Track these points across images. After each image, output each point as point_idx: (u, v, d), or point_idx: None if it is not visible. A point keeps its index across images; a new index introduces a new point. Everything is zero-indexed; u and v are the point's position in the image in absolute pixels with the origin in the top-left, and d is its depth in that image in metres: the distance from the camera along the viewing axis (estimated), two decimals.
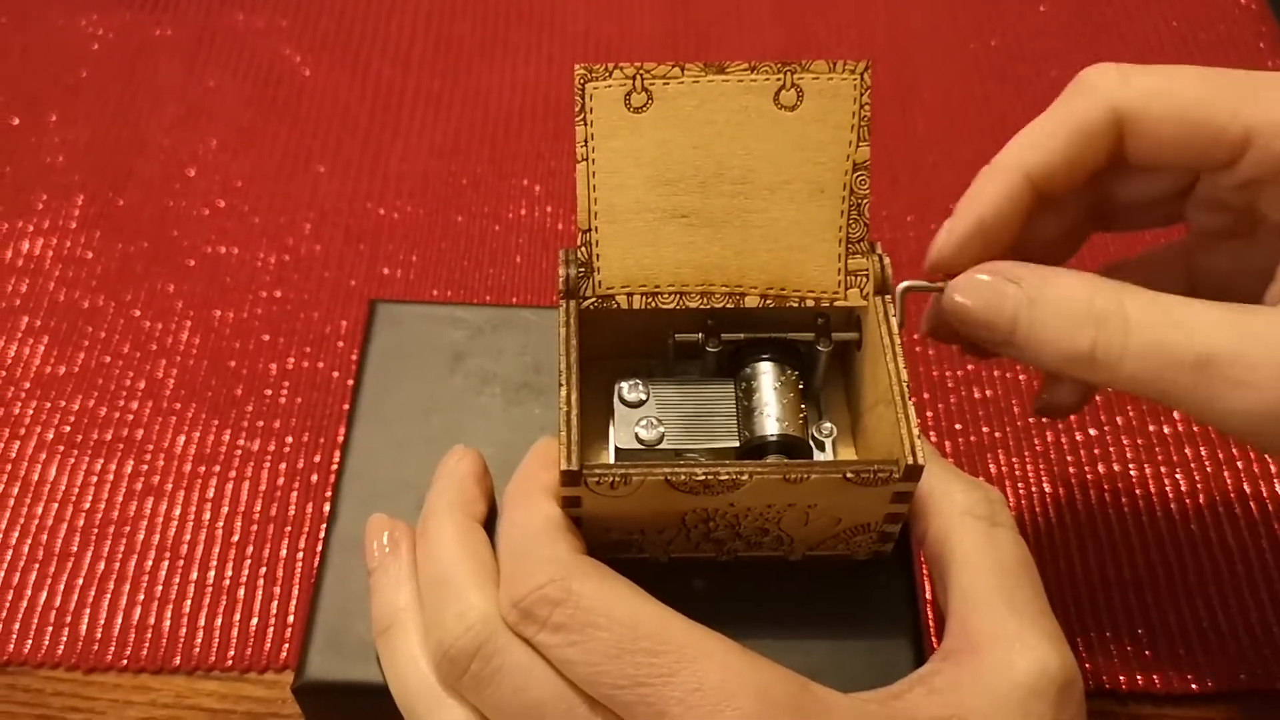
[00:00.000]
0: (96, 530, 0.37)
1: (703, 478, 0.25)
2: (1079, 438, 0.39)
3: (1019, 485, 0.38)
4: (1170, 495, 0.38)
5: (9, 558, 0.36)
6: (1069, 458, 0.39)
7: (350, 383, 0.40)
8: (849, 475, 0.25)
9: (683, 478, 0.25)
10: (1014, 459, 0.39)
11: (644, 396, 0.28)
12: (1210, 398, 0.25)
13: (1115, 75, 0.28)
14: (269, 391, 0.40)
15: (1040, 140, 0.29)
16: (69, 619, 0.35)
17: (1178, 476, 0.38)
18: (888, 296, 0.28)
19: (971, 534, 0.26)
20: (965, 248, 0.28)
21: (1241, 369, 0.24)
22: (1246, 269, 0.29)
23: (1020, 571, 0.26)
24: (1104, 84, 0.28)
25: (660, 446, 0.28)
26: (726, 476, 0.25)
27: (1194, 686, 0.34)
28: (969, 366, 0.41)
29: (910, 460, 0.25)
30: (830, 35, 0.53)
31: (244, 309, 0.43)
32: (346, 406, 0.39)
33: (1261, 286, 0.29)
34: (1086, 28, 0.53)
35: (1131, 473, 0.39)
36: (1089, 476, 0.38)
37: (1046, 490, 0.38)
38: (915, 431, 0.25)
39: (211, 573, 0.36)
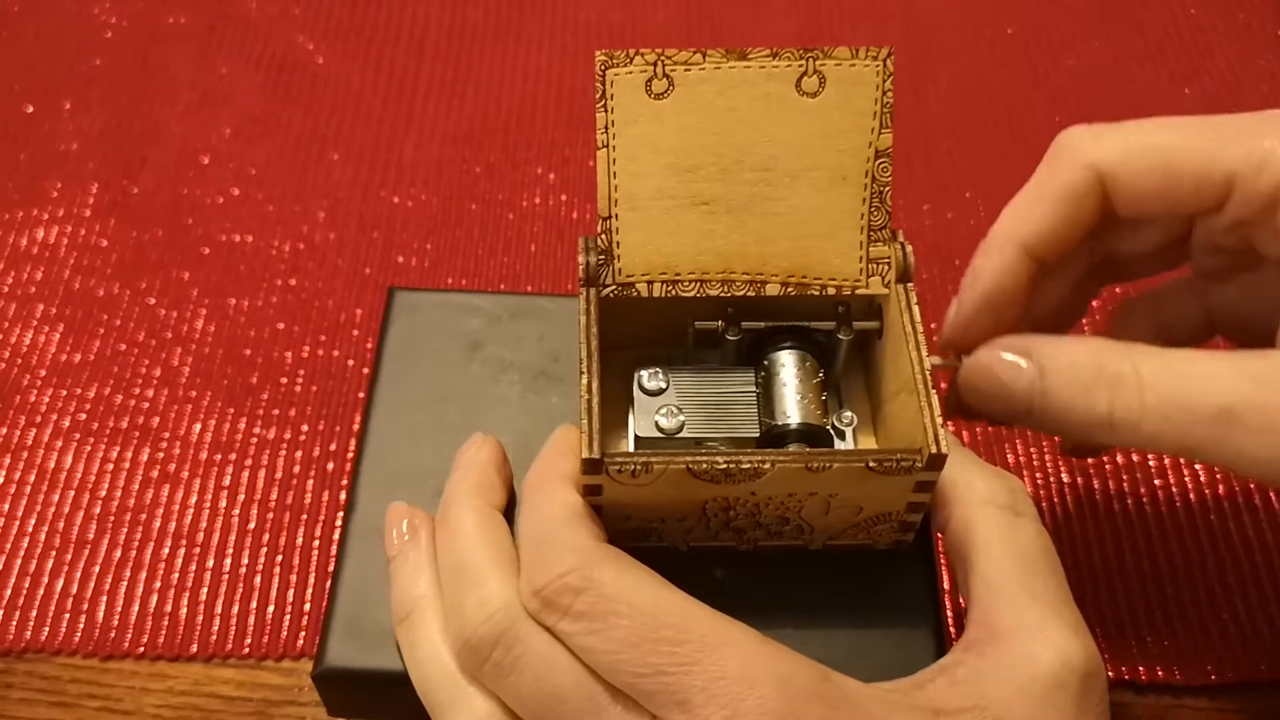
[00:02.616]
0: (113, 518, 0.37)
1: (724, 466, 0.25)
2: None
3: (1037, 475, 0.38)
4: (1190, 485, 0.38)
5: (26, 545, 0.36)
6: None
7: (366, 371, 0.40)
8: (871, 464, 0.25)
9: (704, 466, 0.25)
10: (1032, 449, 0.39)
11: (664, 385, 0.28)
12: (1234, 450, 0.25)
13: (1088, 136, 0.28)
14: (284, 380, 0.40)
15: (1028, 210, 0.29)
16: (86, 606, 0.35)
17: (1197, 467, 0.38)
18: (909, 285, 0.28)
19: (993, 523, 0.26)
20: (974, 325, 0.29)
21: (1263, 416, 0.24)
22: (1257, 299, 0.30)
23: (1042, 561, 0.26)
24: (1080, 145, 0.28)
25: (680, 435, 0.28)
26: (748, 465, 0.25)
27: (1213, 677, 0.34)
28: None
29: (933, 449, 0.25)
30: (844, 23, 0.53)
31: (259, 297, 0.43)
32: (362, 394, 0.40)
33: (1275, 314, 0.29)
34: (1103, 16, 0.53)
35: (1150, 463, 0.38)
36: (1107, 467, 0.38)
37: (1065, 480, 0.38)
38: (938, 420, 0.25)
39: (228, 560, 0.36)
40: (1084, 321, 0.39)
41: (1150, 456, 0.38)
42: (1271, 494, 0.38)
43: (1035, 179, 0.29)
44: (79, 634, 0.35)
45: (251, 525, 0.37)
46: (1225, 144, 0.27)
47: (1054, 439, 0.39)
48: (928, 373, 0.26)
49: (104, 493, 0.38)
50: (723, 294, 0.28)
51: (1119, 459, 0.38)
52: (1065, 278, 0.31)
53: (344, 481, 0.38)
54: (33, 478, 0.38)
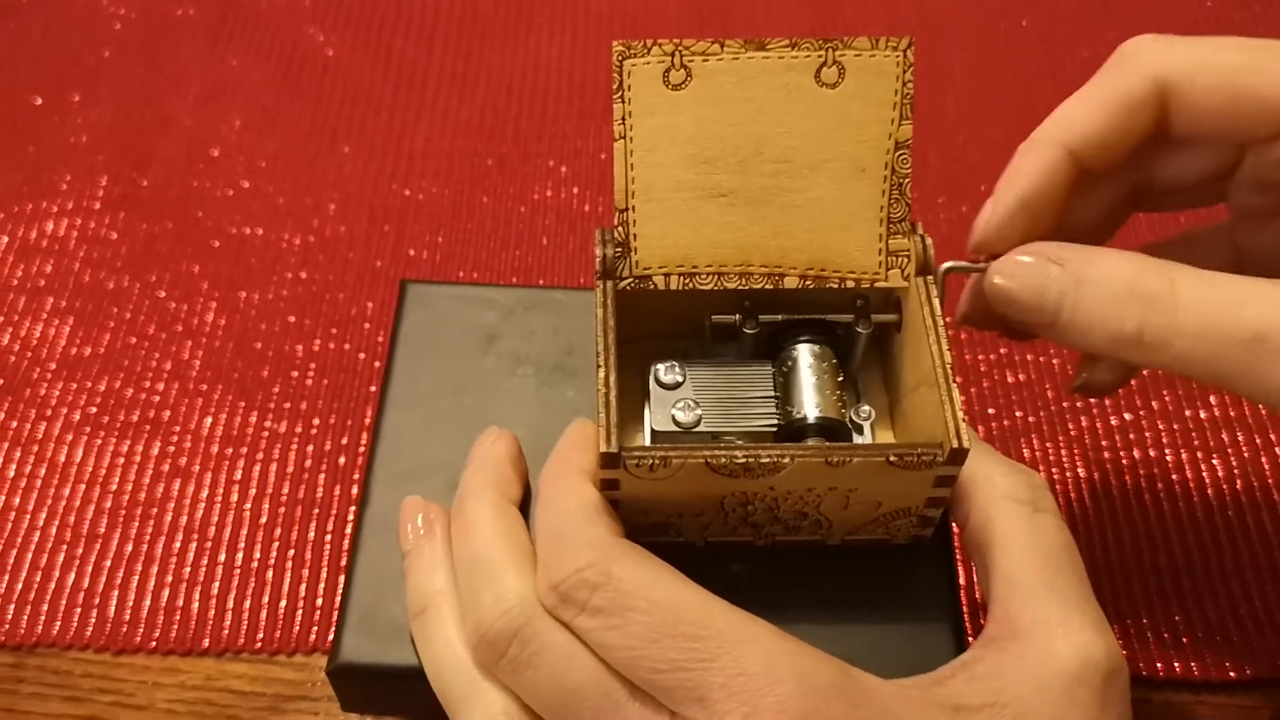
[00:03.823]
0: (124, 512, 0.37)
1: (743, 461, 0.24)
2: (1114, 422, 0.39)
3: (1054, 470, 0.38)
4: (1207, 480, 0.38)
5: (37, 539, 0.36)
6: (1104, 442, 0.38)
7: (377, 364, 0.40)
8: (892, 459, 0.25)
9: (723, 460, 0.24)
10: (1048, 444, 0.38)
11: (680, 378, 0.28)
12: (1264, 376, 0.24)
13: (1158, 46, 0.27)
14: (295, 373, 0.40)
15: (1082, 113, 0.28)
16: (97, 601, 0.35)
17: (1215, 461, 0.38)
18: (929, 277, 0.27)
19: (1013, 519, 0.26)
20: (1009, 226, 0.28)
21: None
22: None
23: (1063, 557, 0.26)
24: (1147, 54, 0.27)
25: (697, 429, 0.27)
26: (768, 459, 0.24)
27: (1231, 674, 0.34)
28: (1002, 350, 0.41)
29: (955, 443, 0.24)
30: (858, 13, 0.52)
31: (269, 290, 0.42)
32: (374, 388, 0.39)
33: None
34: (1119, 7, 0.52)
35: (1168, 457, 0.38)
36: (1124, 461, 0.38)
37: (1081, 475, 0.38)
38: (960, 414, 0.25)
39: (240, 555, 0.36)
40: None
41: (1167, 451, 0.38)
42: None
43: (1093, 82, 0.28)
44: (90, 628, 0.34)
45: (263, 519, 0.37)
46: None
47: (1069, 430, 0.39)
48: (949, 366, 0.25)
49: (115, 486, 0.37)
50: (740, 287, 0.27)
51: (1135, 453, 0.38)
52: (1102, 196, 0.30)
53: (355, 475, 0.37)
54: (43, 471, 0.38)
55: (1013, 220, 0.28)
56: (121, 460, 0.38)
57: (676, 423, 0.27)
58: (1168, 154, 0.29)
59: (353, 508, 0.36)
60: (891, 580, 0.28)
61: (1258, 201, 0.29)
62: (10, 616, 0.35)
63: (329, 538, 0.36)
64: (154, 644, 0.34)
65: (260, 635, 0.34)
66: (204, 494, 0.37)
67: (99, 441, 0.38)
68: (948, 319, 0.27)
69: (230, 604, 0.35)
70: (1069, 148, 0.28)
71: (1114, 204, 0.30)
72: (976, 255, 0.28)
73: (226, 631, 0.34)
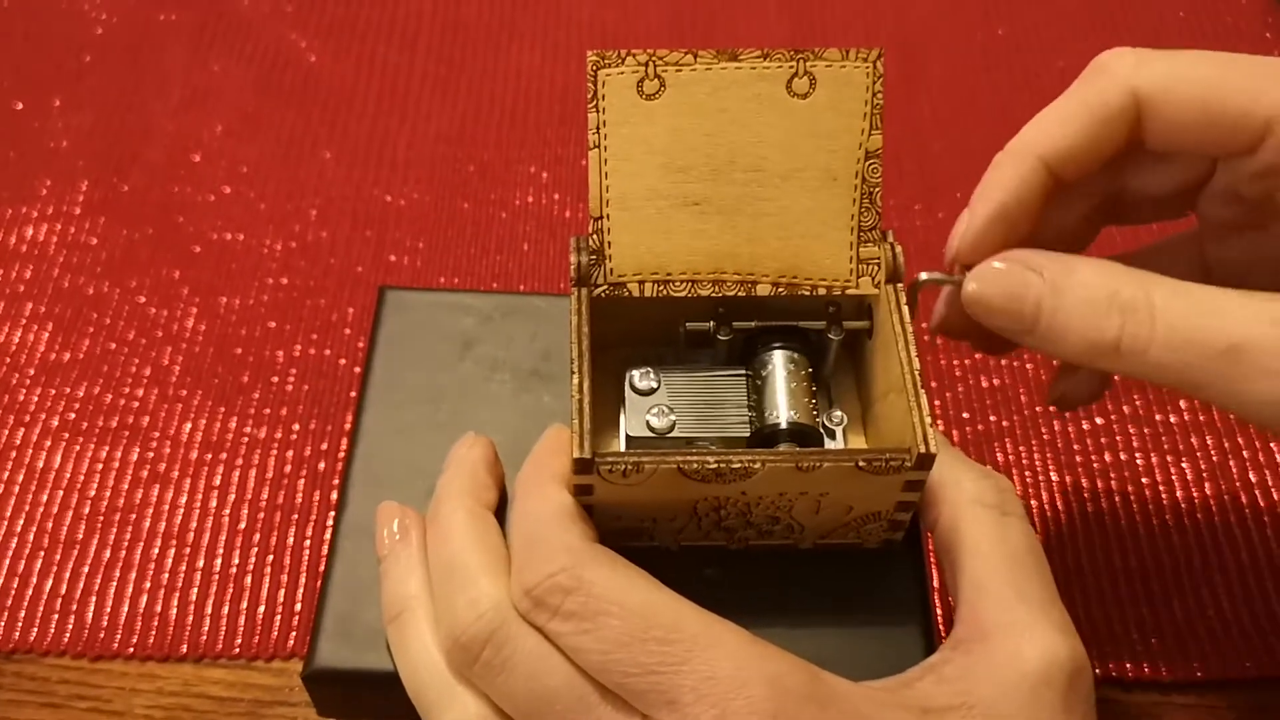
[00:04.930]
0: (102, 518, 0.37)
1: (715, 466, 0.25)
2: (1086, 426, 0.39)
3: (1026, 474, 0.38)
4: (1177, 483, 0.38)
5: (14, 545, 0.36)
6: (1076, 446, 0.39)
7: (358, 370, 0.40)
8: (861, 464, 0.25)
9: (695, 466, 0.25)
10: (1021, 447, 0.39)
11: (655, 385, 0.28)
12: (1240, 387, 0.24)
13: (1133, 58, 0.28)
14: (276, 379, 0.40)
15: (1057, 124, 0.28)
16: (75, 607, 0.35)
17: (1184, 465, 0.38)
18: (899, 285, 0.28)
19: (981, 523, 0.26)
20: (987, 236, 0.28)
21: (1272, 357, 0.24)
22: (1261, 259, 0.29)
23: (1030, 560, 0.26)
24: (1122, 67, 0.28)
25: (671, 435, 0.28)
26: (739, 465, 0.25)
27: (1199, 674, 0.34)
28: (976, 356, 0.41)
29: (922, 448, 0.25)
30: (836, 23, 0.53)
31: (250, 296, 0.42)
32: (354, 394, 0.40)
33: (1275, 275, 0.29)
34: (1093, 17, 0.53)
35: (1138, 461, 0.39)
36: (1096, 465, 0.38)
37: (1054, 479, 0.38)
38: (928, 420, 0.25)
39: (218, 561, 0.36)
40: None
41: (1138, 455, 0.39)
42: (1257, 491, 0.38)
43: (1068, 94, 0.28)
44: (68, 634, 0.34)
45: (242, 525, 0.37)
46: (1268, 85, 0.26)
47: (1041, 434, 0.39)
48: (917, 373, 0.26)
49: (93, 492, 0.37)
50: (714, 294, 0.28)
51: (1107, 457, 0.39)
52: (1075, 207, 0.30)
53: (335, 481, 0.38)
54: (21, 477, 0.38)
55: (989, 231, 0.28)
56: (100, 466, 0.38)
57: (651, 428, 0.28)
58: (1141, 165, 0.30)
59: (332, 513, 0.36)
60: (862, 584, 0.28)
61: (1228, 213, 0.30)
62: None
63: (308, 543, 0.36)
64: (132, 650, 0.34)
65: (238, 641, 0.34)
66: (183, 500, 0.37)
67: (78, 447, 0.38)
68: (924, 324, 0.27)
69: (208, 610, 0.35)
70: (1044, 159, 0.28)
71: (1088, 214, 0.31)
72: (953, 267, 0.29)
73: (204, 637, 0.34)
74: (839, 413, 0.29)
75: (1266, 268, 0.29)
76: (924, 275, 0.28)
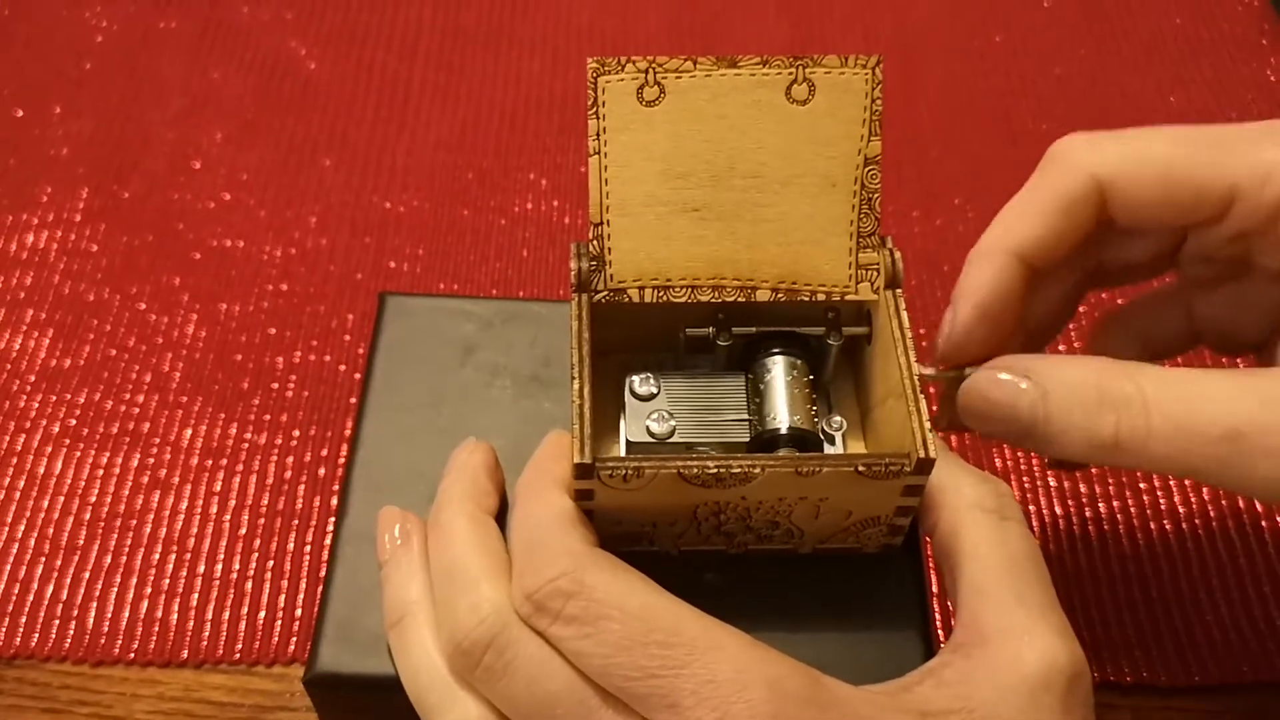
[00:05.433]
0: (103, 524, 0.37)
1: (715, 471, 0.25)
2: None
3: (1024, 479, 0.38)
4: (1175, 489, 0.38)
5: (15, 551, 0.36)
6: None
7: (357, 376, 0.40)
8: (861, 468, 0.25)
9: (695, 471, 0.25)
10: (1019, 453, 0.39)
11: (655, 390, 0.28)
12: (1242, 472, 0.24)
13: (1088, 144, 0.28)
14: (275, 385, 0.40)
15: (1022, 219, 0.28)
16: (76, 612, 0.35)
17: None
18: (898, 291, 0.28)
19: (980, 527, 0.26)
20: (970, 336, 0.28)
21: (1271, 438, 0.24)
22: (1244, 310, 0.30)
23: (1029, 565, 0.26)
24: (1078, 154, 0.28)
25: (671, 440, 0.28)
26: (739, 470, 0.25)
27: (1197, 679, 0.34)
28: None
29: (921, 453, 0.25)
30: (835, 29, 0.53)
31: (250, 302, 0.43)
32: (354, 400, 0.40)
33: (1260, 325, 0.29)
34: (1090, 24, 0.53)
35: None
36: (1094, 471, 0.39)
37: (1051, 485, 0.38)
38: (926, 425, 0.25)
39: (219, 566, 0.36)
40: (1069, 326, 0.39)
41: None
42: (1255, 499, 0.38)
43: (1029, 186, 0.29)
44: (69, 640, 0.34)
45: (242, 531, 0.37)
46: (1228, 156, 0.27)
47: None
48: (915, 378, 0.26)
49: (94, 498, 0.37)
50: (714, 300, 0.28)
51: None
52: (1057, 286, 0.30)
53: (335, 487, 0.38)
54: (22, 483, 0.38)
55: (972, 330, 0.28)
56: (101, 472, 0.38)
57: (651, 434, 0.28)
58: (1114, 240, 0.30)
59: (333, 518, 0.36)
60: (862, 589, 0.28)
61: (1208, 271, 0.30)
62: None
63: (308, 549, 0.36)
64: (133, 655, 0.34)
65: (239, 646, 0.34)
66: (183, 506, 0.37)
67: (78, 453, 0.39)
68: (921, 344, 0.27)
69: (209, 615, 0.35)
70: (1015, 254, 0.28)
71: (1069, 291, 0.31)
72: (941, 365, 0.29)
73: (205, 642, 0.34)
74: (838, 418, 0.29)
75: (1251, 315, 0.30)
76: (920, 371, 0.27)
